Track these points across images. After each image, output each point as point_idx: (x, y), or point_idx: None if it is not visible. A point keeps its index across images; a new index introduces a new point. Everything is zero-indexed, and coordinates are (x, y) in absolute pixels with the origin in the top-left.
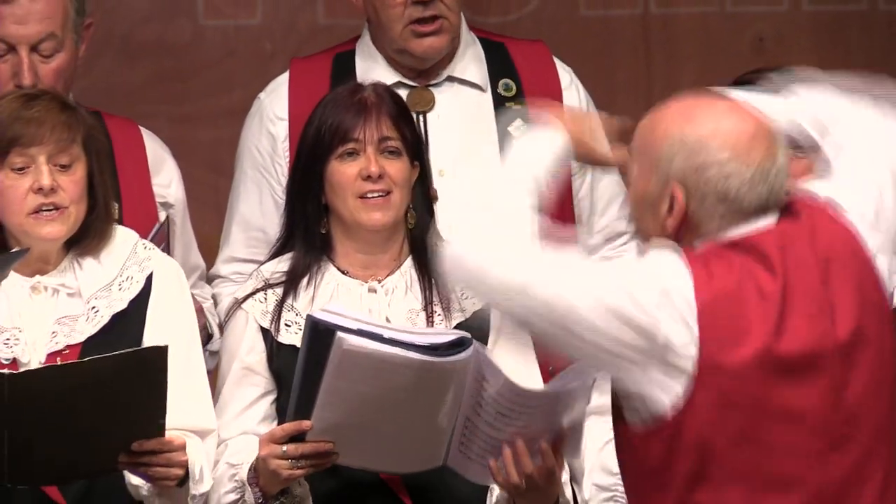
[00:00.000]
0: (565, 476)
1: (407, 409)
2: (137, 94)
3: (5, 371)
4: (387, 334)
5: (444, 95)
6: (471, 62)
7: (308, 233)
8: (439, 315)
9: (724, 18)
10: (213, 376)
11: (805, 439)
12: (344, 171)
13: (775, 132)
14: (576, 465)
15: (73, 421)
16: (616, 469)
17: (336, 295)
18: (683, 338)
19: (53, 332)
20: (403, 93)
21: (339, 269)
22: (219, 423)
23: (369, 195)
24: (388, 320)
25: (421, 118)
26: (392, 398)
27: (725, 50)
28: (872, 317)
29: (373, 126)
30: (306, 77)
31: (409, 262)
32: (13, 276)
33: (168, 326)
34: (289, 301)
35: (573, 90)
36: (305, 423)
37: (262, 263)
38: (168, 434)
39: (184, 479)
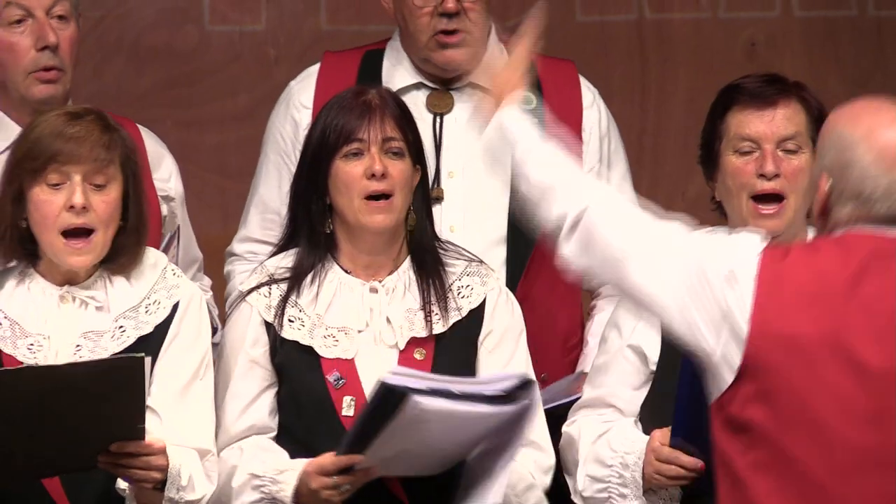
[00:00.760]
0: (549, 461)
1: (454, 439)
2: (145, 98)
3: None
4: (456, 389)
5: (464, 100)
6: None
7: (312, 232)
8: (437, 314)
9: (717, 24)
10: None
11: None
12: (349, 171)
13: None
14: (569, 456)
15: (52, 421)
16: (609, 461)
17: (339, 293)
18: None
19: (78, 346)
20: (424, 94)
21: (342, 268)
22: (224, 415)
23: (373, 198)
24: (388, 320)
25: (438, 119)
26: (447, 437)
27: (718, 54)
28: None
29: (377, 127)
30: (335, 70)
31: (407, 263)
32: (42, 283)
33: (182, 354)
34: (292, 297)
35: (594, 109)
36: (357, 458)
37: (265, 259)
38: (152, 439)
39: (164, 483)
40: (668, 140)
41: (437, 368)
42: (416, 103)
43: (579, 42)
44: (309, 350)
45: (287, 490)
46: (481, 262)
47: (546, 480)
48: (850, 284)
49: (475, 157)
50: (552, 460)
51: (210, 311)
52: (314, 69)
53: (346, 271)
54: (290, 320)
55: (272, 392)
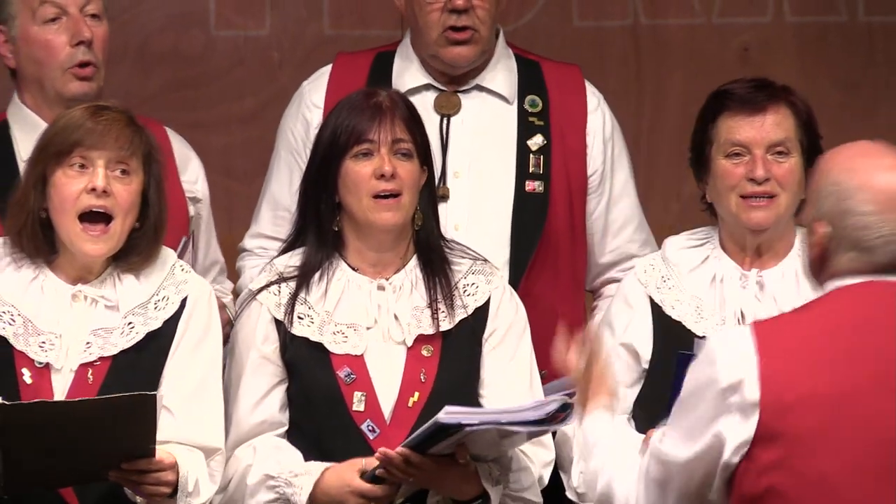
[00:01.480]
0: (550, 456)
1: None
2: (152, 101)
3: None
4: (504, 419)
5: (471, 102)
6: (501, 74)
7: (321, 230)
8: (443, 312)
9: (710, 29)
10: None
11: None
12: (359, 171)
13: None
14: (564, 453)
15: (65, 445)
16: None
17: (347, 290)
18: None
19: (88, 343)
20: (432, 95)
21: (349, 265)
22: (236, 410)
23: (382, 196)
24: (396, 317)
25: (445, 120)
26: (485, 446)
27: (712, 59)
28: None
29: (387, 128)
30: (346, 71)
31: (414, 261)
32: (56, 282)
33: (192, 350)
34: (302, 295)
35: (598, 114)
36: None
37: (273, 258)
38: (168, 448)
39: (174, 492)
40: (663, 143)
41: (443, 365)
42: (425, 104)
43: (576, 47)
44: (319, 347)
45: (303, 494)
46: (486, 260)
47: (545, 474)
48: (856, 336)
49: (480, 157)
50: (552, 455)
51: (227, 310)
52: (326, 70)
53: (353, 269)
54: (299, 317)
55: (283, 388)
